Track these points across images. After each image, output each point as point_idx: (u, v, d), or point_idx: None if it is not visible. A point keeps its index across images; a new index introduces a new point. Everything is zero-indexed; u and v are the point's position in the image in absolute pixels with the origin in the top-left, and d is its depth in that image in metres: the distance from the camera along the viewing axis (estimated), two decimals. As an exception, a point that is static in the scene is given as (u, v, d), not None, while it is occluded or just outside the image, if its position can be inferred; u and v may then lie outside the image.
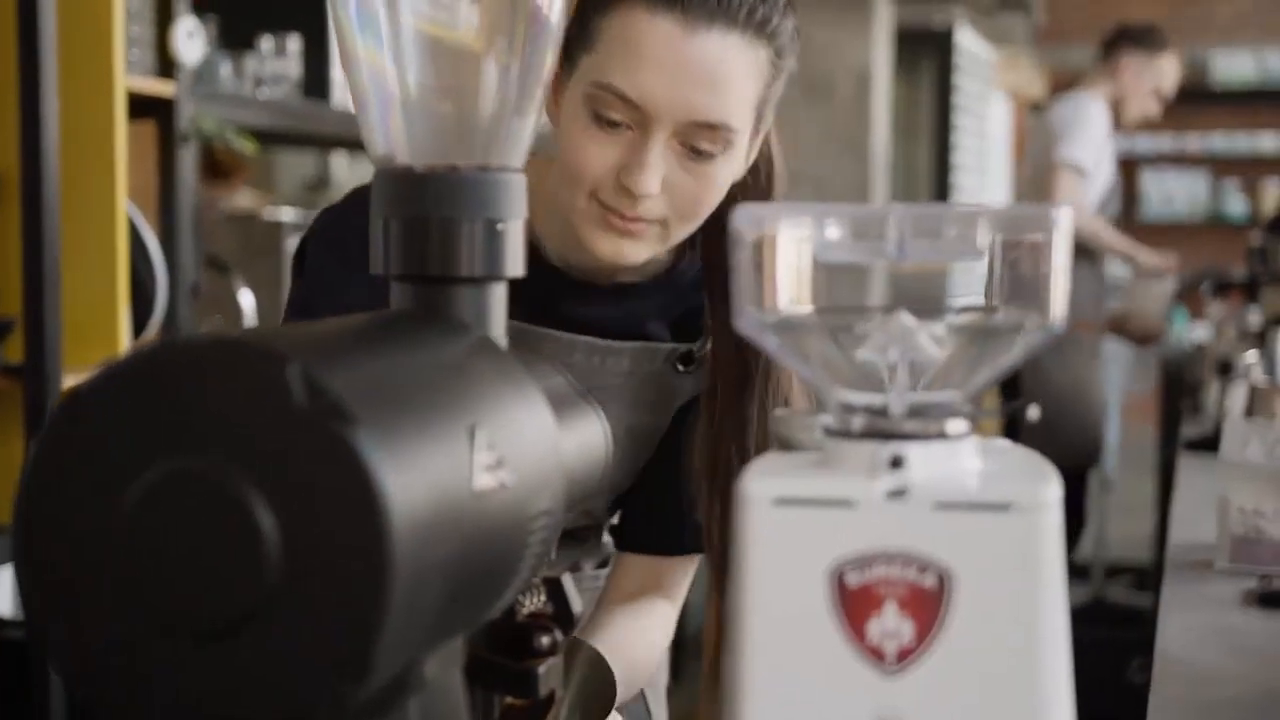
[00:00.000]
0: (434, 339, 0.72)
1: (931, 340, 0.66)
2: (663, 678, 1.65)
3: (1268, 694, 1.39)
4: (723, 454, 1.37)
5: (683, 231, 1.32)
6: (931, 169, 7.37)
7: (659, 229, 1.30)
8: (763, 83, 1.30)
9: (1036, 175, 4.63)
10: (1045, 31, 9.24)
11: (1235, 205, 9.47)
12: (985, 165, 8.33)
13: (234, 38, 3.43)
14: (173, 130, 3.01)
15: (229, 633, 0.58)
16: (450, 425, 0.64)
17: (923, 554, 0.64)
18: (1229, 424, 1.93)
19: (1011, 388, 4.31)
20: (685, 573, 1.50)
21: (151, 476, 0.58)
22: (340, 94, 3.58)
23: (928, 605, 0.64)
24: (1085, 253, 4.55)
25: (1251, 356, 2.83)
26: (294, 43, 3.49)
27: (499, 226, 0.76)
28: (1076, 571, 5.30)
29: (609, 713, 1.27)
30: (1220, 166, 9.53)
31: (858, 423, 0.67)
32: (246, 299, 3.20)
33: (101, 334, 2.74)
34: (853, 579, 0.64)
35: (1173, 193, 9.61)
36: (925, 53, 7.21)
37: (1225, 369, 3.16)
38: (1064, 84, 8.51)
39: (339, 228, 1.39)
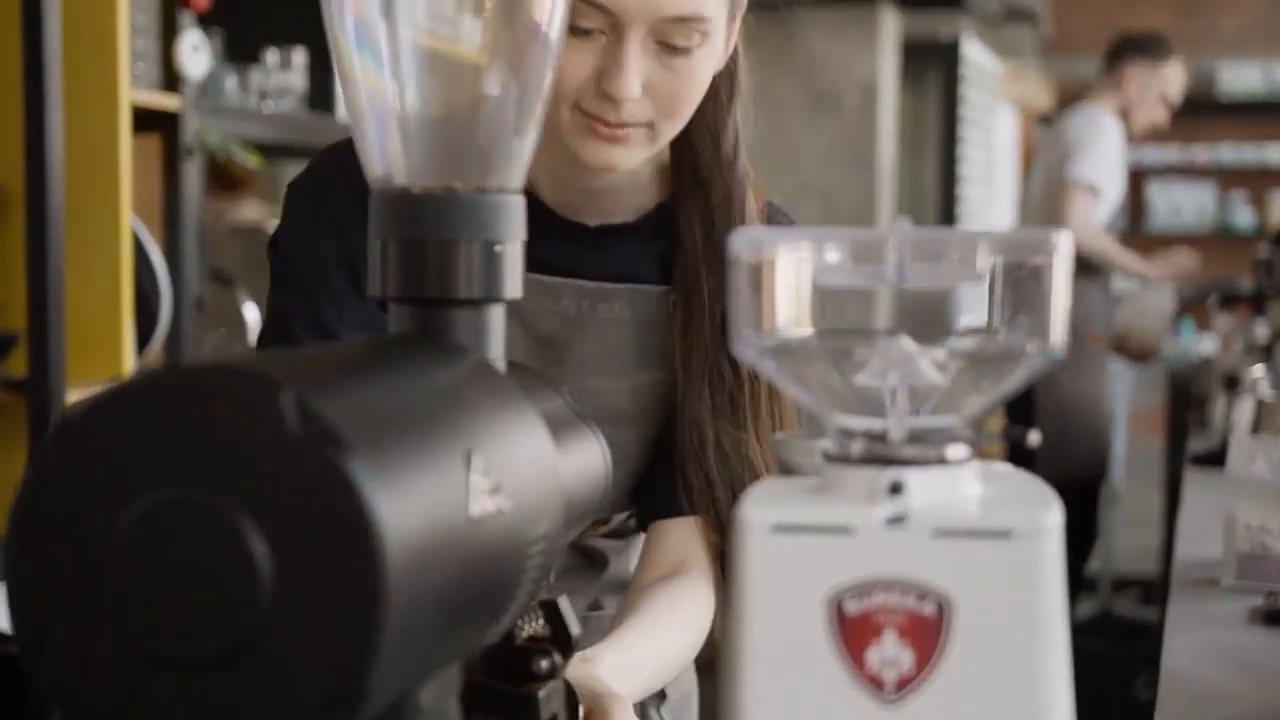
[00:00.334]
0: (431, 363, 0.71)
1: (932, 365, 0.66)
2: (692, 688, 1.57)
3: (1272, 713, 1.38)
4: (697, 349, 1.36)
5: (670, 130, 1.30)
6: (938, 181, 7.37)
7: (646, 132, 1.28)
8: None
9: (1049, 190, 4.61)
10: (1052, 43, 9.24)
11: (1242, 217, 9.46)
12: (992, 177, 8.33)
13: (239, 51, 3.44)
14: (177, 144, 3.02)
15: (222, 662, 0.57)
16: (446, 450, 0.63)
17: (922, 581, 0.63)
18: (1235, 440, 1.92)
19: (1024, 402, 4.30)
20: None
21: (144, 504, 0.57)
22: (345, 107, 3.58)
23: (927, 633, 0.63)
24: (1094, 265, 4.54)
25: (1258, 371, 2.82)
26: (299, 56, 3.50)
27: (497, 248, 0.75)
28: (1083, 584, 5.29)
29: None
30: (1227, 178, 9.52)
31: (857, 448, 0.67)
32: (250, 312, 3.20)
33: (105, 348, 2.74)
34: (852, 607, 0.64)
35: (1180, 204, 9.60)
36: (932, 64, 7.21)
37: (1232, 383, 3.16)
38: (1071, 95, 8.51)
39: (309, 182, 1.39)
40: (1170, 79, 4.70)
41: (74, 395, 2.62)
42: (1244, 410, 2.66)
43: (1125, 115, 4.64)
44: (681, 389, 1.37)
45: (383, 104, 0.75)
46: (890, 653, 0.64)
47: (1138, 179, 8.78)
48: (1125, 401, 5.77)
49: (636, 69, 1.24)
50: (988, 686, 0.63)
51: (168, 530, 0.57)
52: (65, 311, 2.55)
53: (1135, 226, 8.26)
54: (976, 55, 7.54)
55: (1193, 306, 6.85)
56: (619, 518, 1.48)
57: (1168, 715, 1.37)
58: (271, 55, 3.48)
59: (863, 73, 5.66)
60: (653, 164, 1.40)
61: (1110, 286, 4.66)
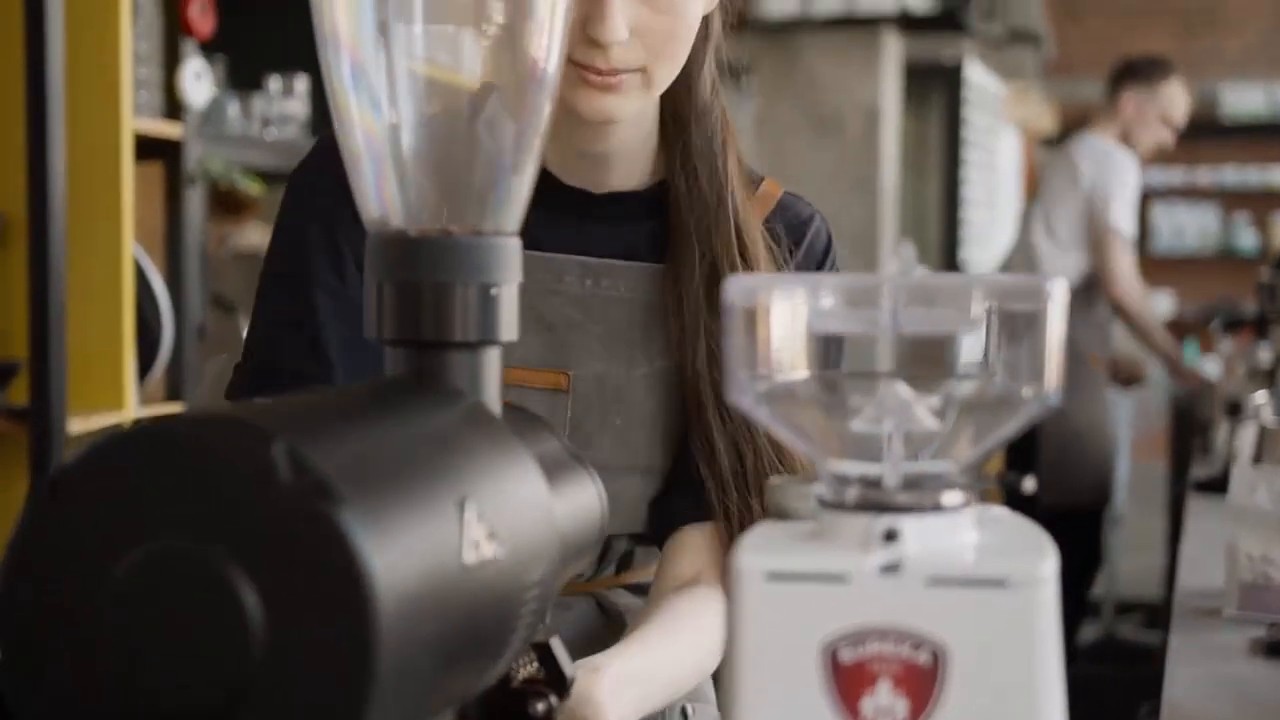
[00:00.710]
0: (425, 408, 0.71)
1: (928, 411, 0.66)
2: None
3: (1275, 747, 1.38)
4: (690, 330, 1.33)
5: (666, 74, 1.28)
6: (941, 203, 7.37)
7: (641, 77, 1.26)
8: None
9: (1073, 222, 4.58)
10: (1055, 65, 9.25)
11: (1246, 238, 9.46)
12: (995, 199, 8.33)
13: (242, 78, 3.45)
14: (180, 172, 3.02)
15: (216, 713, 0.57)
16: (439, 498, 0.63)
17: (917, 630, 0.63)
18: (1237, 470, 1.92)
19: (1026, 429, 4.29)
20: None
21: (137, 554, 0.57)
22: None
23: (922, 682, 0.63)
24: (1093, 289, 4.54)
25: (1261, 397, 2.81)
26: (301, 83, 3.51)
27: (493, 291, 0.75)
28: (1087, 609, 5.28)
29: None
30: (1231, 200, 9.53)
31: (851, 494, 0.66)
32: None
33: (107, 377, 2.75)
34: (846, 655, 0.64)
35: (1184, 225, 9.60)
36: (934, 87, 7.22)
37: (1234, 409, 3.15)
38: (1074, 117, 8.52)
39: (303, 174, 1.37)
40: (1169, 99, 4.70)
41: (75, 424, 2.62)
42: (1246, 437, 2.65)
43: (1127, 140, 4.65)
44: (687, 377, 1.34)
45: (379, 147, 0.75)
46: (885, 701, 0.63)
47: (1141, 201, 8.78)
48: (1128, 425, 5.77)
49: (621, 10, 1.22)
50: (983, 735, 0.63)
51: (161, 581, 0.57)
52: (67, 340, 2.55)
53: (1139, 248, 8.26)
54: (979, 77, 7.55)
55: (1196, 327, 6.85)
56: (618, 545, 1.44)
57: (1169, 749, 1.36)
58: (274, 82, 3.49)
59: (865, 96, 5.67)
60: (656, 126, 1.38)
61: (1108, 308, 4.65)
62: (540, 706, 0.81)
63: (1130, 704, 4.08)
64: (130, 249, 2.78)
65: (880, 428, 0.66)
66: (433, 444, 0.67)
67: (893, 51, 5.86)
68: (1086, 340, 4.48)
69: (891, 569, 0.64)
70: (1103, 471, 4.63)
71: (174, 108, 3.02)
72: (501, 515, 0.67)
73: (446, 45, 0.78)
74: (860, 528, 0.65)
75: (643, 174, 1.39)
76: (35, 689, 0.59)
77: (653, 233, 1.38)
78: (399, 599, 0.57)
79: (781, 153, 5.54)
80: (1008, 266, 4.91)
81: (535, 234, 1.28)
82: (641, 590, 1.44)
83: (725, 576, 1.31)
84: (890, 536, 0.64)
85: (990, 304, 0.67)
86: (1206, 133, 8.25)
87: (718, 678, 1.37)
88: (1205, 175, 9.45)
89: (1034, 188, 7.25)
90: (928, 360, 0.68)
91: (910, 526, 0.64)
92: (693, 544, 1.37)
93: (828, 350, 0.70)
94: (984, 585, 0.63)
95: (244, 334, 1.36)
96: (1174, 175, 9.29)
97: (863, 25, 5.69)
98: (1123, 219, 4.51)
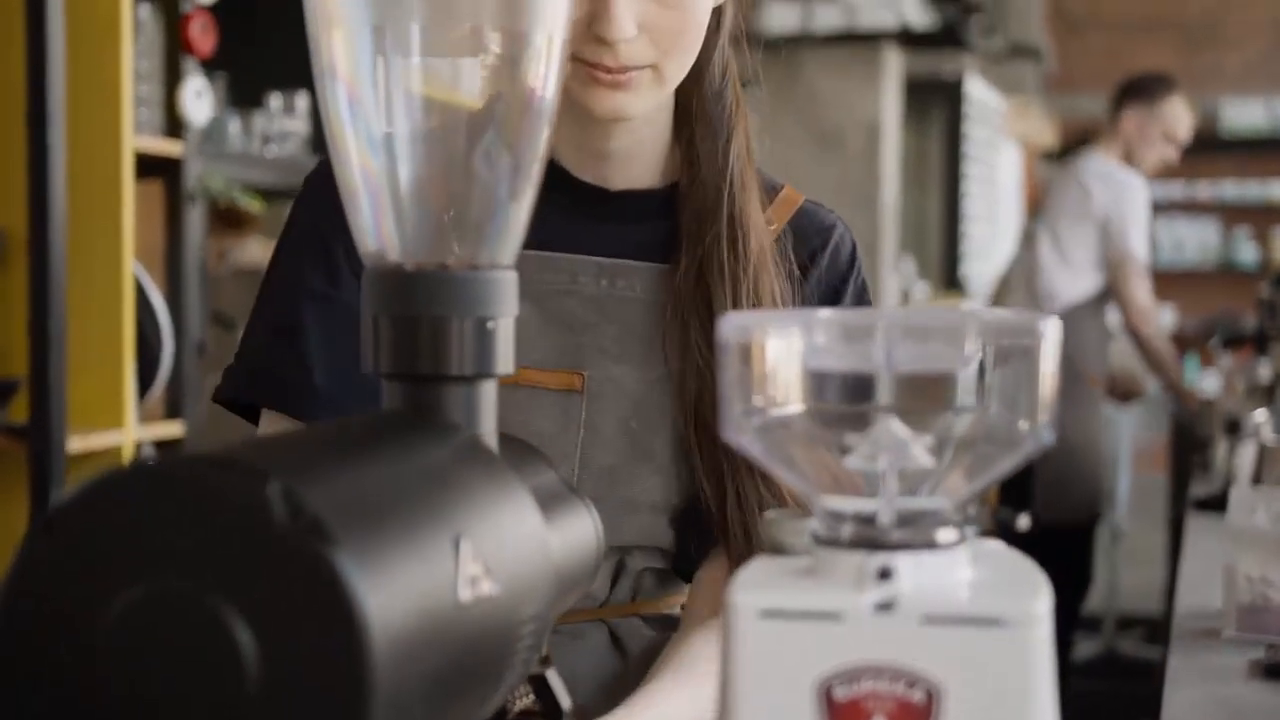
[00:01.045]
0: (421, 443, 0.71)
1: (922, 449, 0.66)
2: None
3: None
4: (691, 331, 1.30)
5: (677, 69, 1.26)
6: (942, 219, 7.38)
7: (651, 74, 1.24)
8: None
9: (1093, 247, 4.57)
10: (1056, 80, 9.27)
11: (1246, 253, 9.48)
12: (995, 214, 8.34)
13: (242, 95, 3.45)
14: (180, 190, 3.02)
15: (209, 752, 0.57)
16: (434, 536, 0.63)
17: (911, 668, 0.63)
18: (1235, 491, 1.92)
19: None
20: None
21: (132, 595, 0.58)
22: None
23: (916, 720, 0.63)
24: (1091, 306, 4.54)
25: (1260, 415, 2.82)
26: (302, 100, 3.51)
27: (489, 324, 0.75)
28: (1088, 624, 5.27)
29: None
30: (1231, 214, 9.54)
31: (846, 531, 0.66)
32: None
33: (107, 394, 2.75)
34: (840, 693, 0.64)
35: (1184, 240, 9.62)
36: (935, 102, 7.23)
37: (1234, 427, 3.15)
38: (1074, 132, 8.53)
39: (308, 185, 1.37)
40: (1170, 116, 4.70)
41: (75, 442, 2.62)
42: (1246, 455, 2.66)
43: (1130, 158, 4.66)
44: (685, 385, 1.31)
45: (376, 181, 0.76)
46: (879, 740, 0.64)
47: (1143, 216, 8.79)
48: (1129, 438, 5.77)
49: (628, 7, 1.19)
50: (977, 774, 0.63)
51: (156, 620, 0.57)
52: (67, 358, 2.56)
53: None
54: (980, 92, 7.56)
55: (1196, 342, 6.85)
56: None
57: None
58: (275, 99, 3.49)
59: (866, 112, 5.67)
60: (672, 120, 1.36)
61: (1106, 326, 4.66)
62: (536, 738, 0.81)
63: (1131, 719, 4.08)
64: (130, 266, 2.79)
65: (875, 465, 0.66)
66: (428, 480, 0.68)
67: (893, 67, 5.87)
68: (1084, 359, 4.49)
69: (886, 607, 0.64)
70: (1094, 489, 4.63)
71: (174, 125, 3.02)
72: (497, 551, 0.67)
73: (444, 78, 0.78)
74: (855, 565, 0.65)
75: (659, 170, 1.37)
76: (30, 728, 0.59)
77: (667, 231, 1.35)
78: (394, 640, 0.57)
79: (782, 168, 5.53)
80: (1007, 282, 4.91)
81: (549, 233, 1.26)
82: (657, 623, 1.39)
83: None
84: (885, 574, 0.64)
85: (985, 342, 0.67)
86: (1207, 147, 8.26)
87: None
88: (1205, 189, 9.47)
89: (1035, 202, 7.25)
90: (923, 396, 0.68)
91: (904, 564, 0.65)
92: (709, 578, 1.35)
93: (822, 385, 0.70)
94: (979, 624, 0.63)
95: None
96: (1174, 190, 9.30)
97: (863, 41, 5.70)
98: (1140, 246, 4.52)
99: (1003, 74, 8.13)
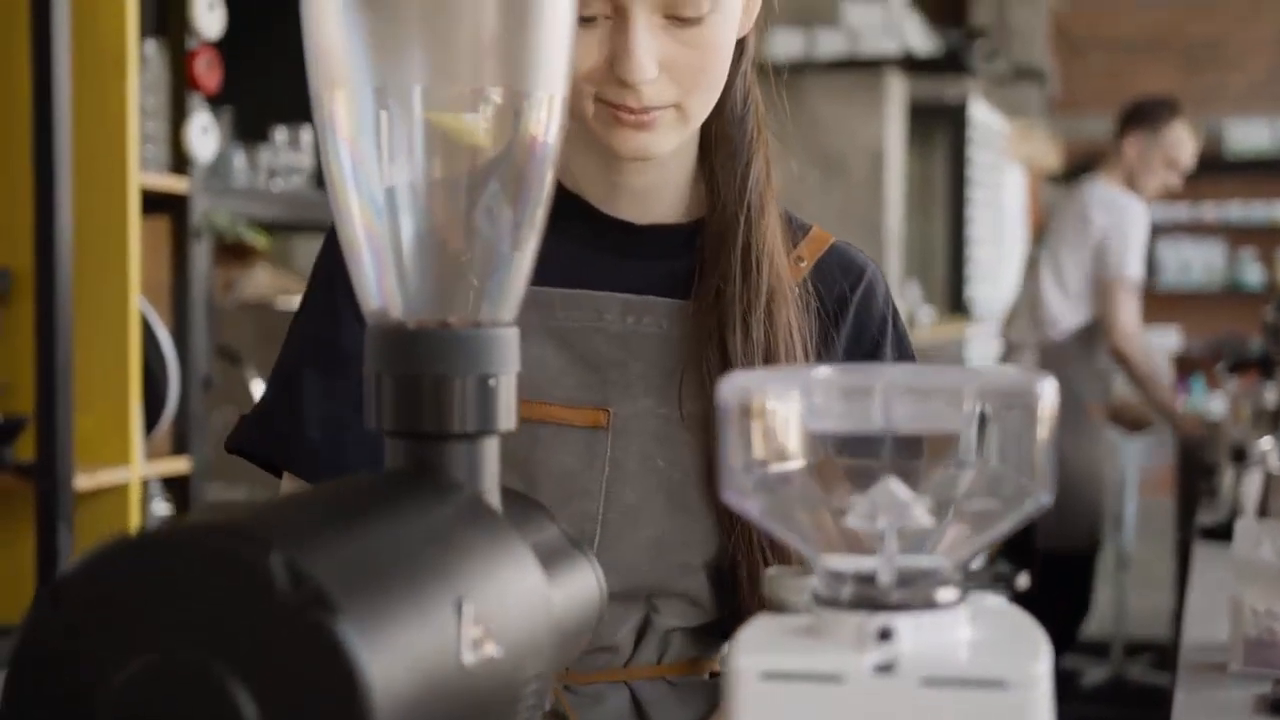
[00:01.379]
0: (423, 503, 0.72)
1: (922, 509, 0.66)
2: None
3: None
4: (708, 362, 1.28)
5: (701, 107, 1.24)
6: (947, 243, 7.38)
7: (675, 113, 1.22)
8: None
9: (1080, 269, 4.58)
10: (1059, 102, 9.29)
11: (1251, 274, 9.48)
12: (1001, 237, 8.34)
13: (248, 129, 3.46)
14: (186, 226, 3.03)
15: (213, 821, 0.57)
16: (437, 600, 0.64)
17: (912, 730, 0.64)
18: (1241, 523, 1.92)
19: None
20: None
21: (136, 665, 0.58)
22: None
23: (917, 782, 0.63)
24: (1095, 336, 4.55)
25: (1267, 443, 2.81)
26: (307, 134, 3.51)
27: (491, 381, 0.76)
28: (1095, 649, 5.26)
29: None
30: (1236, 235, 9.56)
31: (846, 592, 0.67)
32: (258, 389, 3.20)
33: (114, 432, 2.75)
34: (842, 754, 0.64)
35: (1189, 261, 9.63)
36: (939, 126, 7.24)
37: (1240, 455, 3.15)
38: (1079, 154, 8.55)
39: (331, 235, 1.33)
40: (1173, 143, 4.70)
41: (82, 479, 2.62)
42: (1252, 484, 2.65)
43: (1132, 184, 4.66)
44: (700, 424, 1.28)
45: (378, 239, 0.76)
46: (880, 801, 0.64)
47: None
48: (1135, 464, 5.76)
49: (648, 49, 1.18)
50: (978, 834, 0.63)
51: (160, 691, 0.58)
52: (73, 395, 2.56)
53: (1144, 284, 8.27)
54: (983, 115, 7.57)
55: (1202, 364, 6.84)
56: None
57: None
58: (280, 133, 3.50)
59: (870, 138, 5.69)
60: (696, 153, 1.34)
61: (1110, 358, 4.66)
62: (539, 793, 0.82)
63: (1140, 748, 4.06)
64: (136, 303, 2.80)
65: (875, 525, 0.67)
66: (430, 543, 0.68)
67: (896, 93, 5.89)
68: (1086, 388, 4.50)
69: (886, 669, 0.64)
70: (1094, 517, 4.62)
71: (180, 161, 3.03)
72: (499, 613, 0.68)
73: (445, 135, 0.78)
74: (855, 626, 0.65)
75: (684, 205, 1.35)
76: (36, 797, 0.59)
77: (692, 265, 1.33)
78: (396, 707, 0.58)
79: (786, 194, 5.54)
80: (1014, 316, 4.91)
81: (575, 269, 1.27)
82: (686, 689, 1.33)
83: None
84: (885, 635, 0.65)
85: (982, 402, 0.67)
86: (1211, 169, 8.28)
87: None
88: (1210, 211, 9.48)
89: (1040, 225, 7.25)
90: (922, 455, 0.69)
91: (904, 624, 0.65)
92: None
93: (821, 445, 0.70)
94: (978, 686, 0.63)
95: (250, 385, 1.36)
96: (1179, 211, 9.32)
97: (866, 67, 5.72)
98: (1133, 267, 4.52)
99: (1006, 97, 8.15)
